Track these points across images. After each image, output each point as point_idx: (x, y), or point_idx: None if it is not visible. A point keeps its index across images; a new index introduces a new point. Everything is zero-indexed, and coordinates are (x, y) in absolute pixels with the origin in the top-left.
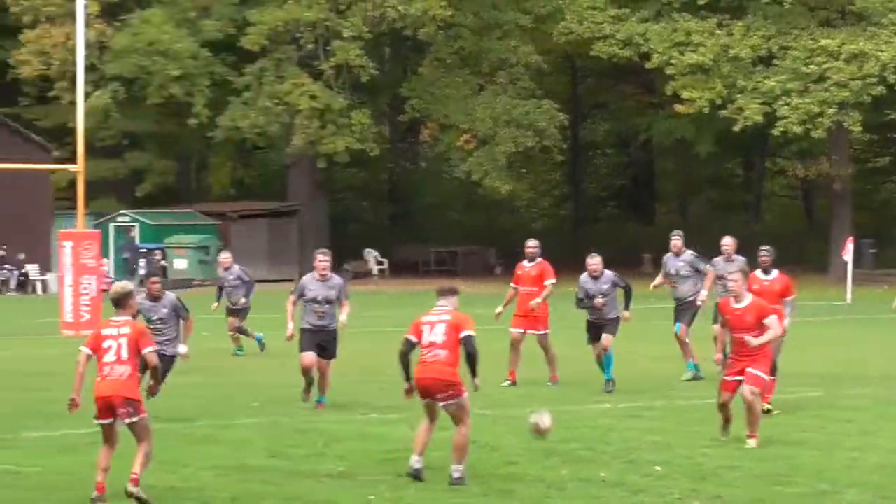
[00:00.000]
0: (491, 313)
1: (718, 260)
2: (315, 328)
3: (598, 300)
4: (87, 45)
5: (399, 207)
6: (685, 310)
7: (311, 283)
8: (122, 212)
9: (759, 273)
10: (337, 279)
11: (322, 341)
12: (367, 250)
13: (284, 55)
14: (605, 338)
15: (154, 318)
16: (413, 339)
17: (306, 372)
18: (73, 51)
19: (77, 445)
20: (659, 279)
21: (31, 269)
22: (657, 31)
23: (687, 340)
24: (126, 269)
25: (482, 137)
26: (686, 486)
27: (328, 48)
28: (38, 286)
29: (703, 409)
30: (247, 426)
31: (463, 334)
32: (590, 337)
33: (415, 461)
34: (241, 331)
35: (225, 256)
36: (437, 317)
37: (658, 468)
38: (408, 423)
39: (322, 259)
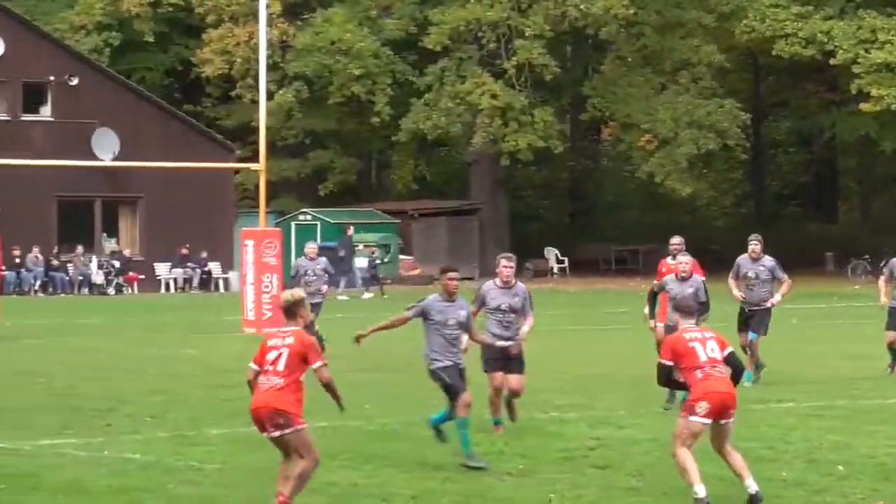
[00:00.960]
0: None
1: None
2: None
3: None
4: (270, 44)
5: (579, 206)
6: (760, 318)
7: (492, 291)
8: (303, 210)
9: None
10: (521, 287)
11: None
12: (547, 249)
13: (466, 54)
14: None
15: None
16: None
17: (497, 394)
18: (255, 49)
19: (258, 442)
20: (735, 288)
21: (214, 267)
22: (842, 28)
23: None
24: (342, 270)
25: (663, 138)
26: (868, 486)
27: (510, 47)
28: (221, 284)
29: (887, 409)
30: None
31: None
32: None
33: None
34: (311, 326)
35: (311, 246)
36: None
37: (840, 468)
38: (586, 422)
39: (506, 265)
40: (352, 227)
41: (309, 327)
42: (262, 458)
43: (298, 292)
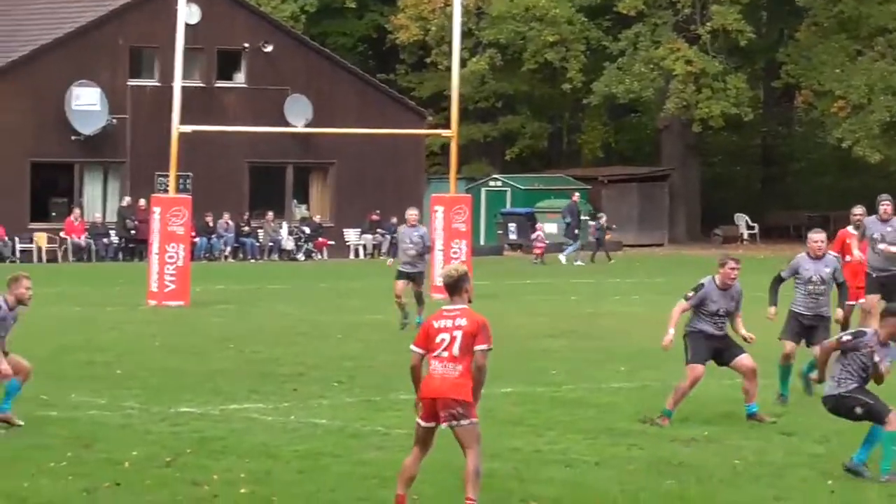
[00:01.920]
0: None
1: None
2: (806, 314)
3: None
4: (465, 12)
5: (771, 172)
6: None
7: (805, 262)
8: (493, 176)
9: None
10: (831, 258)
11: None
12: (737, 215)
13: (661, 20)
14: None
15: None
16: None
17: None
18: (450, 16)
19: None
20: (858, 252)
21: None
22: None
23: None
24: (568, 234)
25: (856, 104)
26: None
27: (705, 12)
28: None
29: None
30: (615, 390)
31: None
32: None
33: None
34: (420, 298)
35: (412, 212)
36: None
37: None
38: (771, 389)
39: (816, 238)
40: (577, 194)
41: (417, 299)
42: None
43: (462, 266)
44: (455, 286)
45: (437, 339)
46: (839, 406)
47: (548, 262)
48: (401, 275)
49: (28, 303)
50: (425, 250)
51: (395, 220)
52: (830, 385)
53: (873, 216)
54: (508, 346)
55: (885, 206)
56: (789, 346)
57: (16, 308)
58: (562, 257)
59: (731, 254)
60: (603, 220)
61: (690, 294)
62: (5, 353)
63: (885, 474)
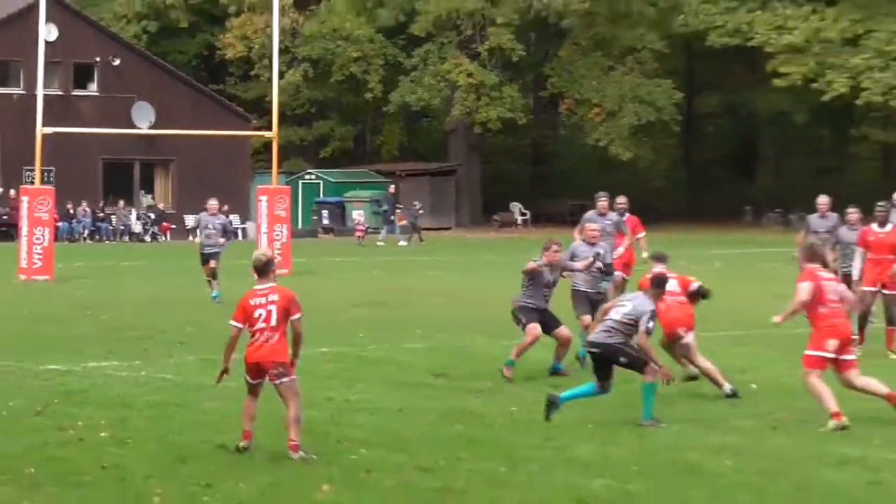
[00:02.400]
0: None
1: (813, 217)
2: (589, 291)
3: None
4: (282, 32)
5: (540, 169)
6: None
7: (581, 247)
8: (308, 171)
9: (874, 226)
10: (602, 243)
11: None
12: (512, 203)
13: (447, 39)
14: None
15: None
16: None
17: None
18: (270, 36)
19: None
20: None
21: (234, 219)
22: (761, 18)
23: None
24: (385, 220)
25: (609, 111)
26: (774, 402)
27: (483, 33)
28: (240, 233)
29: (796, 338)
30: (412, 350)
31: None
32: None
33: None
34: (214, 274)
35: (213, 203)
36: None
37: (753, 386)
38: (546, 347)
39: (591, 227)
40: (392, 186)
41: (212, 275)
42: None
43: (269, 251)
44: (264, 268)
45: (255, 315)
46: (606, 352)
47: (366, 244)
48: (204, 257)
49: None
50: (227, 235)
51: (226, 207)
52: (602, 334)
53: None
54: (323, 314)
55: (602, 201)
56: (587, 318)
57: None
58: (380, 240)
59: (554, 238)
60: (417, 206)
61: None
62: None
63: (645, 420)
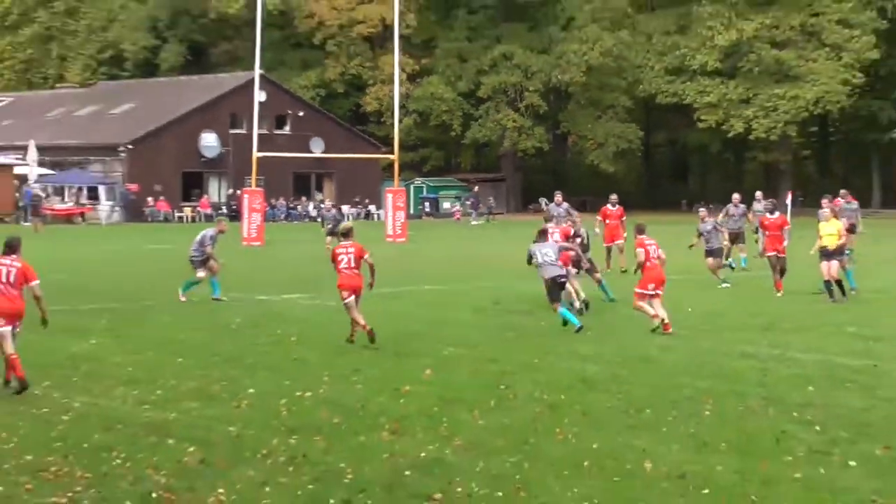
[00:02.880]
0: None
1: (730, 206)
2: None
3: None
4: (401, 95)
5: (557, 177)
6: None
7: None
8: (416, 179)
9: (767, 214)
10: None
11: None
12: (541, 199)
13: (500, 99)
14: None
15: None
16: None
17: None
18: (393, 98)
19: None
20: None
21: (372, 208)
22: (691, 87)
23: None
24: (474, 208)
25: (599, 142)
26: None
27: (522, 96)
28: (375, 216)
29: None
30: (481, 287)
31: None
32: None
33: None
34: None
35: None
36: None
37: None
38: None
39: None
40: (476, 187)
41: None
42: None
43: (350, 223)
44: (348, 233)
45: (339, 259)
46: (556, 282)
47: (462, 224)
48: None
49: None
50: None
51: (367, 200)
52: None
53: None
54: (427, 265)
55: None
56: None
57: None
58: (472, 221)
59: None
60: (490, 200)
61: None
62: None
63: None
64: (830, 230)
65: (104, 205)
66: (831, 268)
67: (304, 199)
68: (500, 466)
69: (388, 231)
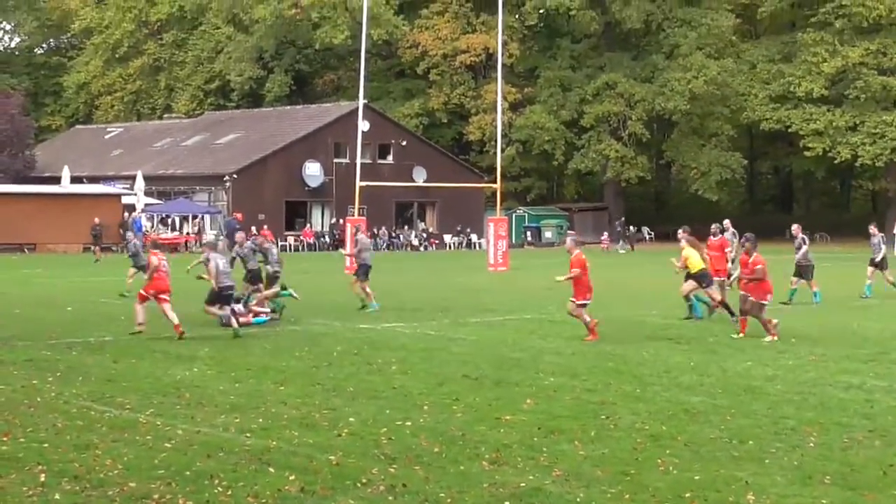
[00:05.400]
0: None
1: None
2: None
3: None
4: (504, 125)
5: (659, 206)
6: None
7: None
8: (518, 208)
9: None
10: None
11: None
12: (643, 228)
13: (602, 129)
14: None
15: None
16: None
17: None
18: (496, 127)
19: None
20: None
21: (473, 237)
22: (796, 114)
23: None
24: (621, 237)
25: (703, 171)
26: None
27: (625, 125)
28: (476, 245)
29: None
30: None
31: None
32: None
33: None
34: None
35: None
36: None
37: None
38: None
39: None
40: (623, 217)
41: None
42: (504, 335)
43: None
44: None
45: None
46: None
47: (609, 253)
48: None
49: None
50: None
51: (469, 229)
52: None
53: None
54: (526, 294)
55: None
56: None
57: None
58: (619, 249)
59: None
60: (622, 222)
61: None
62: None
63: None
64: None
65: (209, 234)
66: None
67: (406, 227)
68: (600, 497)
69: (489, 260)
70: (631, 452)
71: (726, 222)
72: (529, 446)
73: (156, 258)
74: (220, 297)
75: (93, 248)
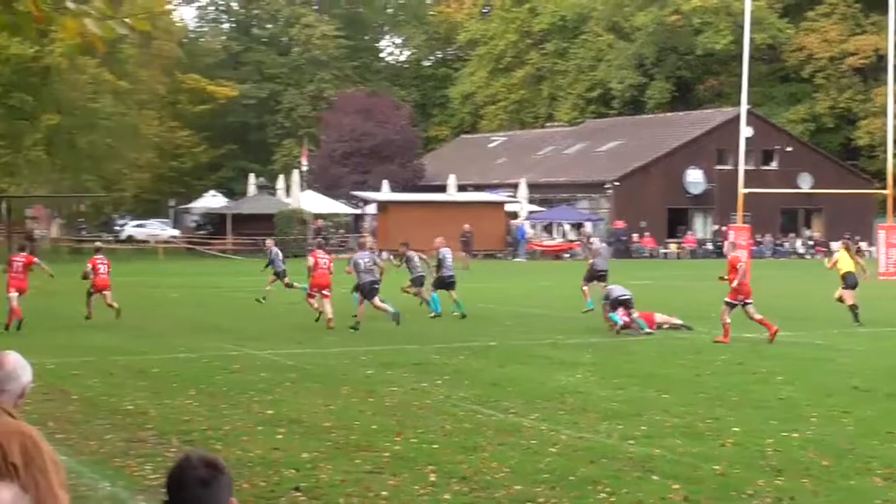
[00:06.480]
0: None
1: None
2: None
3: None
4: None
5: None
6: None
7: None
8: None
9: None
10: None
11: None
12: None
13: None
14: None
15: None
16: None
17: None
18: (886, 131)
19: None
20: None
21: (863, 245)
22: None
23: None
24: None
25: None
26: None
27: None
28: (867, 254)
29: None
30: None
31: None
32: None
33: None
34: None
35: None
36: None
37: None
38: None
39: None
40: None
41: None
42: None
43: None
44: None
45: None
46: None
47: None
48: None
49: None
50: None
51: (857, 237)
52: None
53: None
54: None
55: None
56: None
57: None
58: None
59: None
60: None
61: None
62: None
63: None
64: None
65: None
66: None
67: (791, 235)
68: None
69: (880, 268)
70: None
71: None
72: None
73: (312, 258)
74: (368, 291)
75: (461, 254)
